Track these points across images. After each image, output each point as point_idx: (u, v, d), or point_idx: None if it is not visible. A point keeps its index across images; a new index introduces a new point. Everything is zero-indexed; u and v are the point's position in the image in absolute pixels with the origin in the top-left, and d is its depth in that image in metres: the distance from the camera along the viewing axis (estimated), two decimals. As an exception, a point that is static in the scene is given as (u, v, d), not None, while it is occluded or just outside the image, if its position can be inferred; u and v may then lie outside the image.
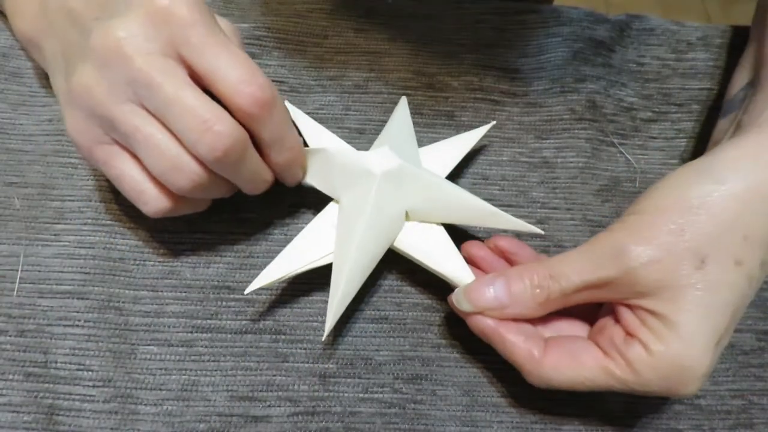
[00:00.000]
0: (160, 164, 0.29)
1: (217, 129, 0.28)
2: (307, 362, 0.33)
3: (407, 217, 0.34)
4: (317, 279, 0.35)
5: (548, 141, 0.39)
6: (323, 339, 0.32)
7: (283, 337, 0.34)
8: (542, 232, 0.32)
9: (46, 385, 0.32)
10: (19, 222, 0.35)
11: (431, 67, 0.42)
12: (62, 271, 0.34)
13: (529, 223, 0.33)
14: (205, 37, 0.29)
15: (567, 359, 0.30)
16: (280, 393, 0.33)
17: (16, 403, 0.31)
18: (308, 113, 0.40)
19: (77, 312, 0.33)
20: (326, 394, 0.33)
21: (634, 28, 0.45)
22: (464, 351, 0.34)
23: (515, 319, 0.31)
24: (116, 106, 0.29)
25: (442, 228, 0.34)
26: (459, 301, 0.31)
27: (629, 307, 0.29)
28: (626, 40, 0.44)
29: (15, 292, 0.33)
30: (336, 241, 0.33)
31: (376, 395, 0.33)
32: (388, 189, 0.33)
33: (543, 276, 0.30)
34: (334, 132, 0.38)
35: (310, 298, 0.35)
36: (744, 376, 0.35)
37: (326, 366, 0.33)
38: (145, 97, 0.28)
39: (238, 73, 0.28)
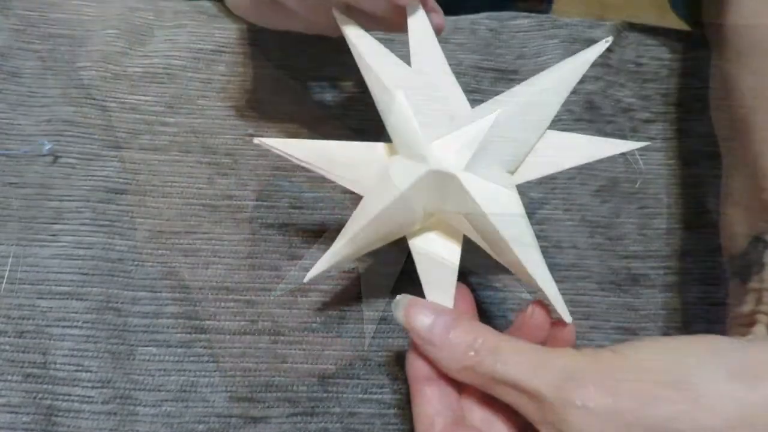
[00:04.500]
0: None
1: None
2: (306, 363, 0.33)
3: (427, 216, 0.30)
4: (316, 279, 0.35)
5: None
6: (305, 280, 0.30)
7: (281, 338, 0.34)
8: (570, 319, 0.28)
9: (45, 386, 0.32)
10: (17, 222, 0.35)
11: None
12: (60, 272, 0.34)
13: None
14: None
15: None
16: (278, 394, 0.33)
17: (15, 403, 0.31)
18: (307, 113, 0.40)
19: (76, 313, 0.33)
20: (325, 395, 0.33)
21: (632, 30, 0.45)
22: (463, 351, 0.34)
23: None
24: None
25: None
26: (396, 305, 0.28)
27: None
28: (624, 41, 0.44)
29: (2, 290, 0.33)
30: (363, 199, 0.30)
31: (375, 396, 0.33)
32: (429, 185, 0.28)
33: (488, 346, 0.26)
34: (333, 133, 0.38)
35: (309, 299, 0.35)
36: (743, 377, 0.35)
37: (325, 367, 0.33)
38: None
39: None
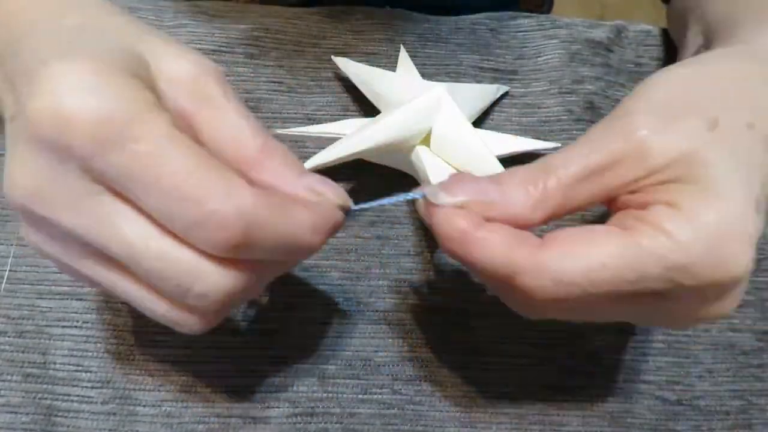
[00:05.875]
0: (166, 283, 0.23)
1: (214, 210, 0.21)
2: (306, 363, 0.33)
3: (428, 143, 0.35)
4: (316, 278, 0.35)
5: (547, 142, 0.39)
6: (307, 165, 0.33)
7: (281, 338, 0.34)
8: None
9: (45, 386, 0.32)
10: (17, 222, 0.35)
11: (429, 68, 0.42)
12: (60, 272, 0.34)
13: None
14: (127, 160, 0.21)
15: (576, 240, 0.23)
16: (278, 394, 0.33)
17: (15, 403, 0.31)
18: (307, 114, 0.40)
19: (75, 313, 0.33)
20: (325, 395, 0.33)
21: (632, 30, 0.45)
22: (463, 352, 0.34)
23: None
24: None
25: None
26: (433, 193, 0.25)
27: (641, 190, 0.24)
28: (624, 41, 0.44)
29: (2, 290, 0.33)
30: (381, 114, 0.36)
31: (375, 396, 0.33)
32: (429, 106, 0.34)
33: (537, 170, 0.25)
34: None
35: (309, 299, 0.35)
36: (743, 377, 0.35)
37: (325, 367, 0.33)
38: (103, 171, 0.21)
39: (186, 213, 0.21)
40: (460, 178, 0.25)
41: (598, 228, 0.24)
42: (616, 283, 0.22)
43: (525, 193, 0.24)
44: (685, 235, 0.22)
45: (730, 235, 0.22)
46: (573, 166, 0.24)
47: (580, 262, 0.23)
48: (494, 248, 0.23)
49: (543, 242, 0.24)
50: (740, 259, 0.22)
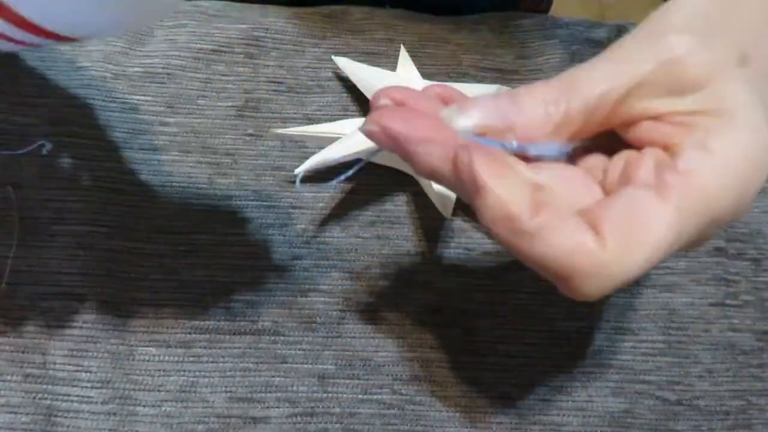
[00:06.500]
0: None
1: None
2: (306, 363, 0.33)
3: None
4: (316, 278, 0.35)
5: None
6: (294, 172, 0.34)
7: (281, 338, 0.34)
8: None
9: (45, 386, 0.31)
10: (17, 222, 0.35)
11: (429, 68, 0.42)
12: (60, 272, 0.34)
13: None
14: None
15: (633, 228, 0.21)
16: (278, 394, 0.33)
17: (15, 404, 0.31)
18: (307, 114, 0.40)
19: (75, 313, 0.33)
20: (325, 395, 0.33)
21: (632, 30, 0.45)
22: (463, 352, 0.34)
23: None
24: None
25: None
26: (451, 115, 0.23)
27: (662, 119, 0.23)
28: (624, 42, 0.44)
29: (2, 290, 0.33)
30: None
31: (375, 396, 0.33)
32: None
33: (559, 89, 0.23)
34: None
35: (309, 299, 0.35)
36: (743, 377, 0.35)
37: (325, 367, 0.33)
38: None
39: None
40: (476, 100, 0.24)
41: (646, 202, 0.21)
42: (661, 258, 0.22)
43: (545, 115, 0.23)
44: (712, 184, 0.22)
45: (756, 180, 0.22)
46: (600, 85, 0.23)
47: (641, 259, 0.21)
48: (553, 246, 0.21)
49: (600, 236, 0.21)
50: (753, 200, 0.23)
